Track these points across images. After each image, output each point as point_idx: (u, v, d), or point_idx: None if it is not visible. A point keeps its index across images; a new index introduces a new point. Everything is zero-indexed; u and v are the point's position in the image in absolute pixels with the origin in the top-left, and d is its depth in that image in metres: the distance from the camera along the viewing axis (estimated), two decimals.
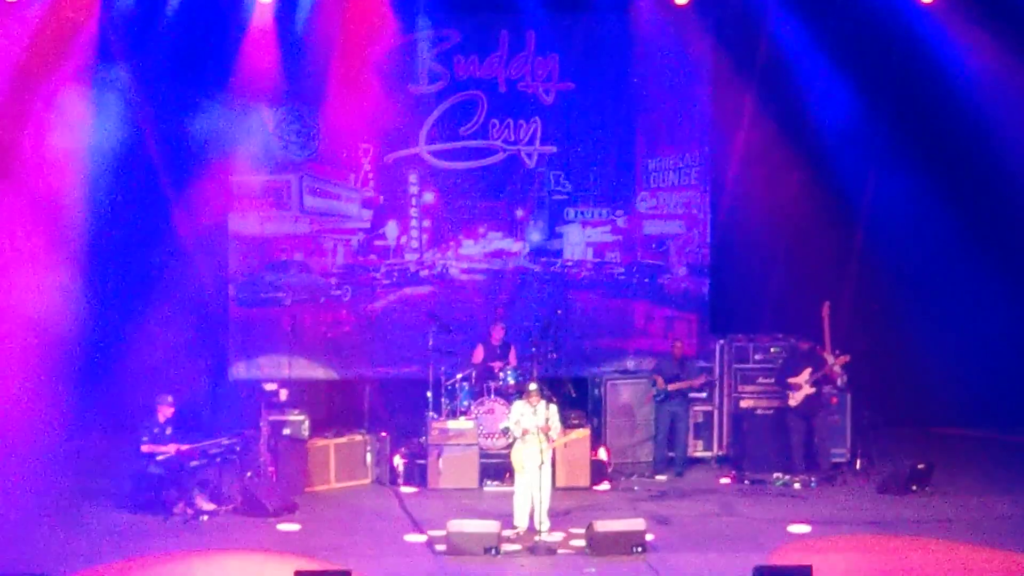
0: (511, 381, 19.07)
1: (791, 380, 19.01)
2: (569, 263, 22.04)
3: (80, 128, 21.17)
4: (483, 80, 21.82)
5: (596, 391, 20.20)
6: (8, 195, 21.22)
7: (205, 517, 16.54)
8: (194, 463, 16.65)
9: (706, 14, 21.63)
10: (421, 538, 15.92)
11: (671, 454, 19.45)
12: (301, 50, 21.55)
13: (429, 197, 21.96)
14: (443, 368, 19.31)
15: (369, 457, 18.76)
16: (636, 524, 15.50)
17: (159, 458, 16.67)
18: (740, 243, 22.15)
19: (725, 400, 20.13)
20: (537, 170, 21.98)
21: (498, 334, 19.89)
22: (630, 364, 21.22)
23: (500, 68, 21.82)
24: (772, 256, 22.04)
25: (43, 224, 21.35)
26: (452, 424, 18.58)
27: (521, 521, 16.07)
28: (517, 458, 16.17)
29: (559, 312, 20.85)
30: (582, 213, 22.04)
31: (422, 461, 18.55)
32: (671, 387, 19.29)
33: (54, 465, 19.40)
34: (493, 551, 15.21)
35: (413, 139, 21.81)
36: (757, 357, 20.06)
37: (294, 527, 16.40)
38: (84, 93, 21.13)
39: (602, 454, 19.00)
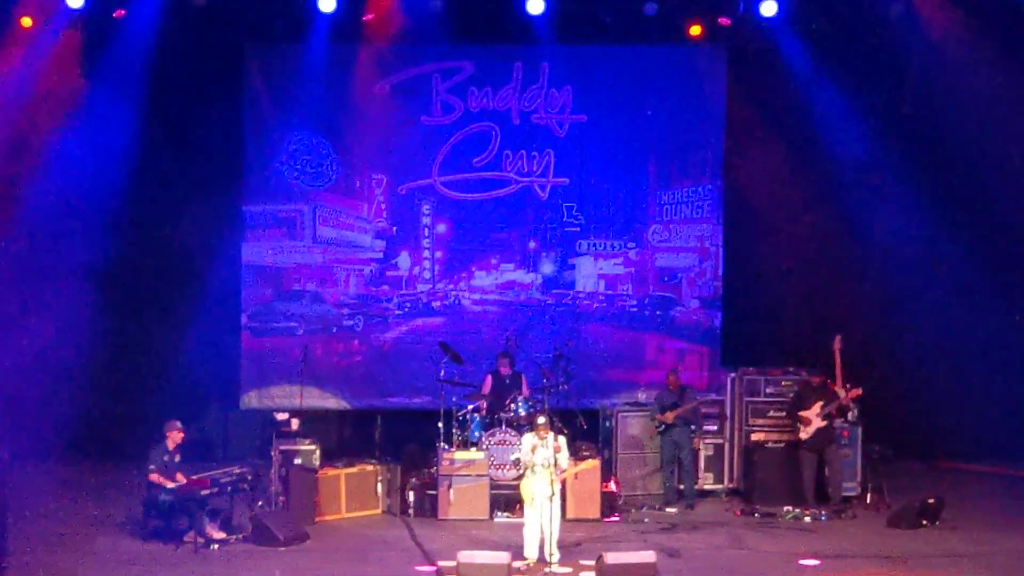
0: (522, 412, 19.06)
1: (802, 414, 18.99)
2: (581, 295, 22.10)
3: (89, 156, 21.30)
4: (496, 112, 21.92)
5: (607, 423, 20.19)
6: (23, 227, 21.35)
7: (215, 546, 16.52)
8: (205, 492, 16.63)
9: (719, 47, 21.73)
10: (431, 569, 15.90)
11: (680, 486, 19.43)
12: (315, 80, 21.69)
13: (442, 228, 22.04)
14: (454, 399, 19.32)
15: (380, 487, 18.75)
16: (646, 556, 15.45)
17: (169, 486, 16.66)
18: (752, 276, 22.20)
19: (736, 433, 20.10)
20: (550, 202, 22.06)
21: (505, 368, 19.89)
22: (641, 396, 21.21)
23: (513, 100, 21.91)
24: (784, 290, 22.08)
25: (55, 250, 21.46)
26: (463, 455, 18.57)
27: (531, 553, 16.04)
28: (527, 489, 16.15)
29: (570, 344, 20.87)
30: (594, 245, 22.09)
31: (433, 491, 18.54)
32: (668, 416, 19.24)
33: (64, 492, 19.45)
34: None
35: (426, 170, 21.91)
36: (768, 390, 20.04)
37: (305, 557, 16.39)
38: (94, 125, 21.29)
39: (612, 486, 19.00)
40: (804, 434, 18.91)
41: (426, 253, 22.08)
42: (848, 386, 19.07)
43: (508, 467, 18.42)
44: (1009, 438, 21.88)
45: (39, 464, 20.32)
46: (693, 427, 19.56)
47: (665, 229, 22.14)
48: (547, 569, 15.78)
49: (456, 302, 22.07)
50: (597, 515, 18.44)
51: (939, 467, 21.68)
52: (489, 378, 19.94)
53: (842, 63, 21.62)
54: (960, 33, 21.07)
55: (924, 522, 17.96)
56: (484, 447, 18.73)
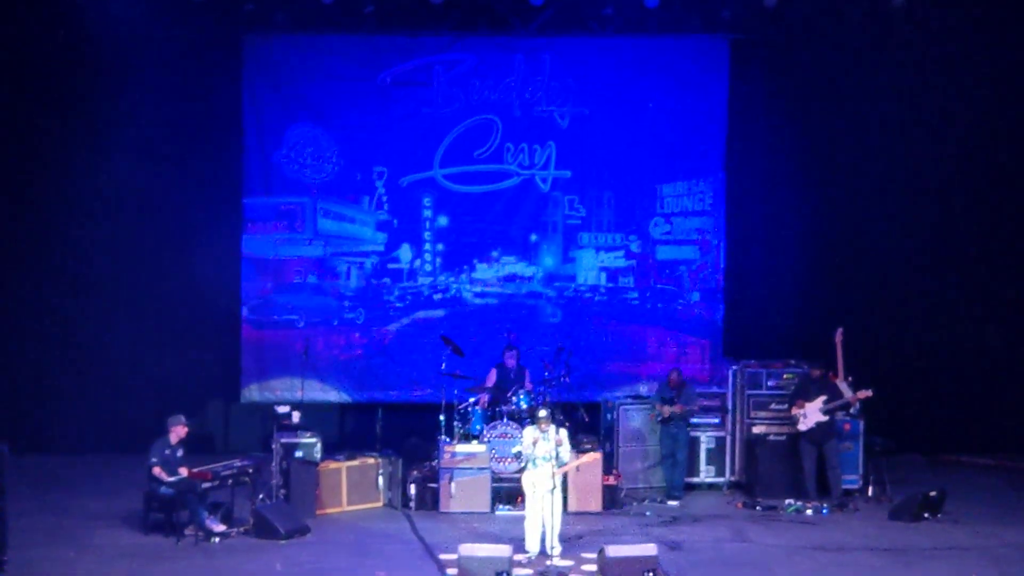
0: (524, 405, 19.03)
1: (797, 402, 18.94)
2: (582, 288, 22.07)
3: (89, 149, 21.31)
4: (498, 104, 21.89)
5: (608, 416, 20.15)
6: (23, 221, 21.36)
7: (216, 539, 16.50)
8: (206, 485, 16.61)
9: (721, 39, 21.70)
10: (433, 562, 15.89)
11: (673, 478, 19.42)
12: (315, 72, 21.66)
13: (443, 220, 22.01)
14: (456, 391, 19.29)
15: (381, 480, 18.73)
16: (648, 549, 15.43)
17: (169, 480, 16.63)
18: (754, 269, 22.19)
19: (738, 426, 20.07)
20: (551, 194, 22.03)
21: (511, 361, 19.85)
22: (643, 389, 21.20)
23: (515, 92, 21.90)
24: (786, 282, 22.07)
25: (56, 243, 21.47)
26: (464, 448, 18.55)
27: (533, 546, 16.03)
28: (528, 482, 16.15)
29: (571, 337, 20.83)
30: (596, 238, 22.07)
31: (434, 485, 18.52)
32: (664, 410, 19.21)
33: (65, 485, 19.44)
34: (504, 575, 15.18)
35: (428, 162, 21.88)
36: (770, 383, 19.99)
37: (306, 550, 16.37)
38: (93, 118, 21.30)
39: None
40: (803, 426, 18.89)
41: (427, 246, 22.05)
42: (850, 380, 19.07)
43: (509, 460, 18.39)
44: (1011, 431, 21.89)
45: (39, 457, 20.34)
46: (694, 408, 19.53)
47: (667, 222, 22.10)
48: (548, 562, 15.77)
49: (457, 295, 22.04)
50: (599, 508, 18.43)
51: (941, 460, 21.65)
52: (494, 371, 19.90)
53: (845, 55, 21.61)
54: (959, 29, 21.13)
55: (926, 515, 17.95)
56: (485, 440, 18.71)
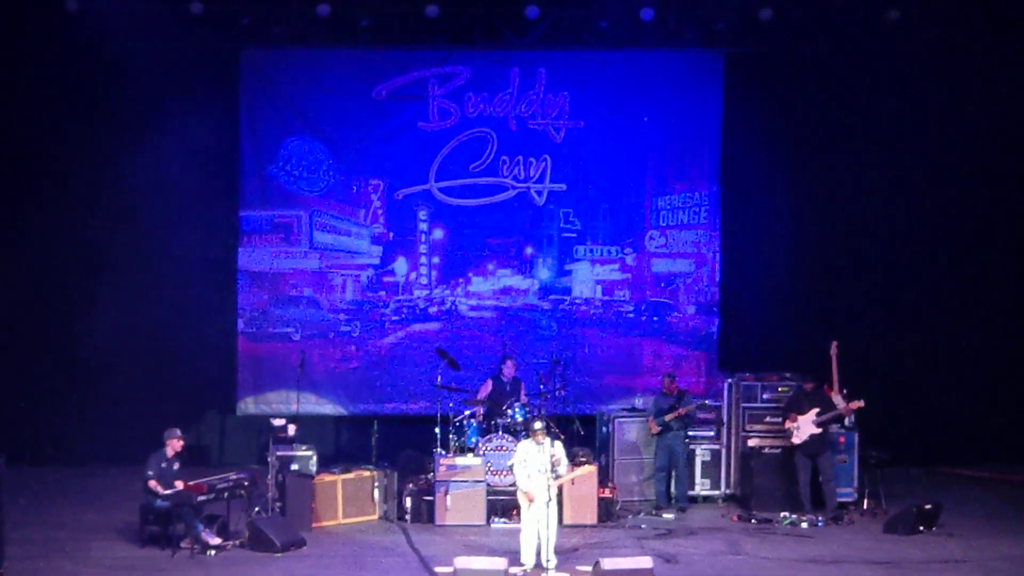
0: (519, 418, 19.02)
1: (790, 415, 18.96)
2: (578, 301, 22.09)
3: (86, 162, 21.33)
4: (493, 117, 21.93)
5: (604, 429, 20.17)
6: (16, 234, 21.36)
7: (212, 552, 16.49)
8: (201, 498, 16.61)
9: (716, 52, 21.73)
10: (428, 575, 15.89)
11: (673, 490, 19.41)
12: (312, 86, 21.70)
13: (438, 234, 22.04)
14: (451, 404, 19.30)
15: (377, 493, 18.73)
16: (643, 562, 15.44)
17: (165, 493, 16.63)
18: (749, 282, 22.19)
19: (733, 439, 20.08)
20: (547, 207, 22.06)
21: (509, 371, 19.87)
22: (638, 402, 21.21)
23: (510, 105, 21.92)
24: (781, 295, 22.07)
25: (51, 253, 21.47)
26: (460, 460, 18.54)
27: (528, 558, 16.02)
28: (524, 495, 16.14)
29: (567, 350, 20.85)
30: (591, 251, 22.09)
31: (429, 497, 18.52)
32: (665, 417, 19.24)
33: (61, 498, 19.43)
34: None
35: (423, 176, 21.91)
36: (765, 396, 20.01)
37: (301, 563, 16.37)
38: (91, 130, 21.32)
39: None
40: (796, 439, 18.91)
41: (423, 259, 22.07)
42: (845, 392, 19.08)
43: (505, 473, 18.39)
44: (1006, 443, 21.90)
45: (35, 469, 20.33)
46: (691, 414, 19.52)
47: (662, 235, 22.14)
48: (544, 575, 15.75)
49: (453, 308, 22.06)
50: (594, 520, 18.41)
51: (936, 473, 21.66)
52: (489, 382, 19.91)
53: (840, 69, 21.65)
54: (955, 42, 21.14)
55: (921, 528, 17.94)
56: (481, 453, 18.71)
